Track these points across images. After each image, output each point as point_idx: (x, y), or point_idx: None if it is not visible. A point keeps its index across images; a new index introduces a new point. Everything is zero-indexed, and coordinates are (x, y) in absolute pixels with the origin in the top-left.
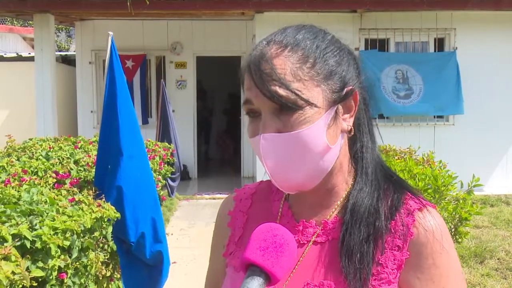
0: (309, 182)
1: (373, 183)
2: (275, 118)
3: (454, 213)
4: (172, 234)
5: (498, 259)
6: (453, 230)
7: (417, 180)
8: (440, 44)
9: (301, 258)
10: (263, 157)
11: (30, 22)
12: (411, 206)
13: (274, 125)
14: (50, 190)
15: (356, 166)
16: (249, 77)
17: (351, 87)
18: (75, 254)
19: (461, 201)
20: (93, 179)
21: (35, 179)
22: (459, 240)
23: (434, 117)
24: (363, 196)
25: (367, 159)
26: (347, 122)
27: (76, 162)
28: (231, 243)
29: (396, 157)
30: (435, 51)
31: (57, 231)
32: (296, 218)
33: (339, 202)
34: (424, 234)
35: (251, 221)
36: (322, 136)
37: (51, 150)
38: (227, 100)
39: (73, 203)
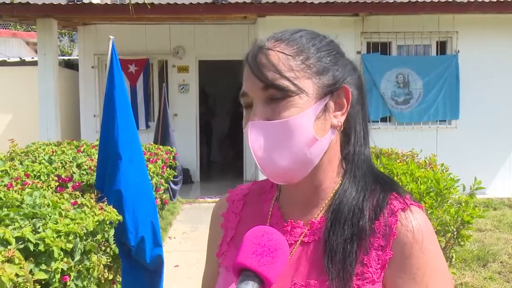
0: (296, 171)
1: (361, 184)
2: (266, 107)
3: (456, 216)
4: (174, 238)
5: (501, 262)
6: (455, 233)
7: (419, 183)
8: (442, 47)
9: (289, 258)
10: (251, 143)
11: (33, 27)
12: (395, 207)
13: (264, 114)
14: (52, 193)
15: (346, 167)
16: (247, 67)
17: (343, 85)
18: (77, 257)
19: (463, 204)
20: (95, 183)
21: (38, 182)
22: (462, 243)
23: (437, 120)
24: (348, 196)
25: (357, 162)
26: (337, 118)
27: (78, 166)
28: (223, 243)
29: (398, 160)
30: (437, 54)
31: (60, 234)
32: (285, 218)
33: (326, 201)
34: (406, 234)
35: (243, 221)
36: (309, 126)
37: (54, 154)
38: (230, 104)
39: (75, 206)
